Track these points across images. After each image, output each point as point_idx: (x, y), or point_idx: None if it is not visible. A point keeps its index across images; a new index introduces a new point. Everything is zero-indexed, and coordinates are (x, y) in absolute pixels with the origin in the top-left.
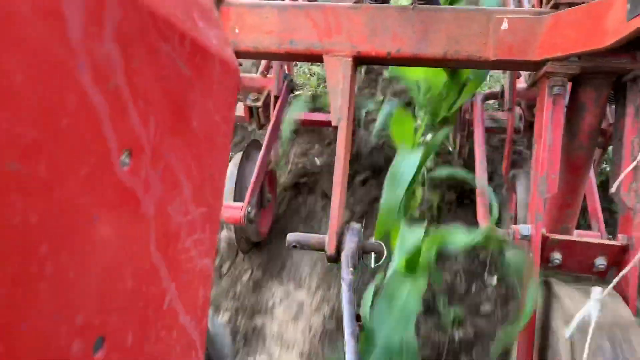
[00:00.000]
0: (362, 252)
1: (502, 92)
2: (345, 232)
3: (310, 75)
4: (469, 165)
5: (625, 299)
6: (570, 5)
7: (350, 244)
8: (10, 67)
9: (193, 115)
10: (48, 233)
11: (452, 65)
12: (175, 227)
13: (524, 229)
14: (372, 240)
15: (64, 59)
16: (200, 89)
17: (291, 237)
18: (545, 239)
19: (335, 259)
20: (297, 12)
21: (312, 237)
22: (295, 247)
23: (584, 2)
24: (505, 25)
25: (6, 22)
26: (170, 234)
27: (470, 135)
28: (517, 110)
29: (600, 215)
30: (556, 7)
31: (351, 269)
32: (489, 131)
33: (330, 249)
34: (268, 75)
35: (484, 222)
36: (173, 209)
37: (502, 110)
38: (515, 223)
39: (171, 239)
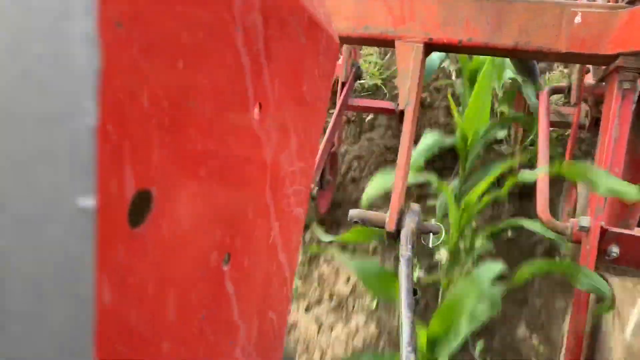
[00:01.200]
0: (421, 232)
1: (569, 87)
2: (405, 211)
3: (366, 63)
4: (531, 159)
5: None
6: None
7: (410, 223)
8: (190, 24)
9: (304, 80)
10: (206, 162)
11: (522, 56)
12: (282, 175)
13: (584, 220)
14: (432, 220)
15: (228, 22)
16: (311, 57)
17: (353, 212)
18: (603, 232)
19: (395, 236)
20: None
21: (373, 214)
22: (356, 222)
23: None
24: (578, 19)
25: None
26: (279, 180)
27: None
28: (583, 106)
29: None
30: (632, 2)
31: (410, 246)
32: (553, 126)
33: (390, 227)
34: (338, 62)
35: (544, 215)
36: (283, 159)
37: (568, 105)
38: (574, 217)
39: (279, 185)
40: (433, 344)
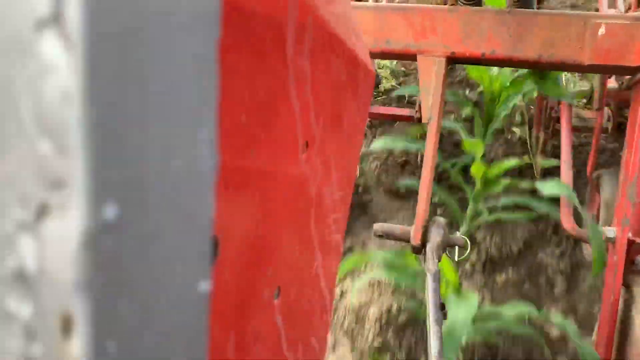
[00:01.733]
0: (446, 245)
1: (592, 91)
2: (430, 225)
3: (379, 67)
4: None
5: None
6: None
7: (435, 237)
8: (249, 73)
9: (344, 115)
10: (261, 205)
11: (545, 68)
12: (325, 207)
13: (610, 231)
14: (457, 234)
15: (282, 70)
16: (350, 92)
17: (378, 226)
18: (630, 243)
19: (420, 250)
20: (393, 13)
21: (398, 228)
22: (381, 236)
23: None
24: (602, 31)
25: (255, 45)
26: (322, 212)
27: (555, 133)
28: (606, 110)
29: None
30: None
31: (436, 260)
32: (575, 130)
33: (416, 240)
34: None
35: (568, 224)
36: (325, 191)
37: (590, 109)
38: (597, 223)
39: (322, 216)
40: None
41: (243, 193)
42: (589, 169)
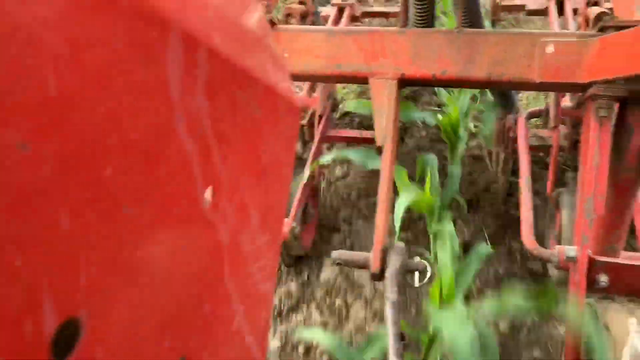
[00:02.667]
0: (406, 271)
1: (547, 110)
2: (389, 250)
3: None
4: (513, 183)
5: None
6: (617, 28)
7: (394, 263)
8: (119, 125)
9: (262, 152)
10: (147, 267)
11: (497, 87)
12: (244, 255)
13: (570, 250)
14: (417, 259)
15: (166, 113)
16: (268, 127)
17: (336, 254)
18: (591, 261)
19: (380, 277)
20: (344, 37)
21: (356, 255)
22: (339, 264)
23: (631, 26)
24: (551, 49)
25: (122, 85)
26: (240, 261)
27: (514, 153)
28: (562, 128)
29: None
30: (602, 30)
31: (395, 288)
32: (533, 149)
33: (375, 267)
34: (313, 95)
35: (529, 242)
36: (243, 238)
37: (547, 128)
38: (560, 242)
39: (241, 266)
40: None
41: (113, 252)
42: (548, 187)
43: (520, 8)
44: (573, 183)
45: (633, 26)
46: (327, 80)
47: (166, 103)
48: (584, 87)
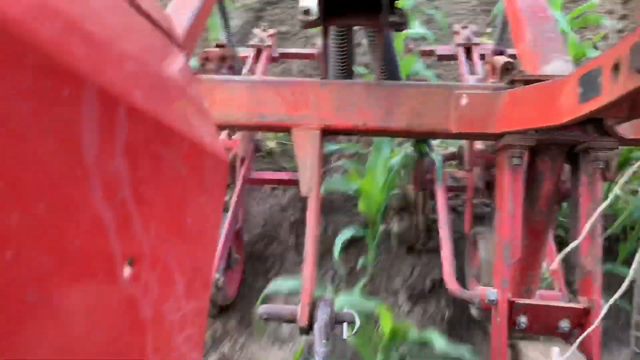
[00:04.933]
0: (334, 323)
1: (461, 152)
2: (317, 303)
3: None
4: (432, 225)
5: (590, 358)
6: (525, 82)
7: (322, 316)
8: (22, 190)
9: (188, 213)
10: (54, 345)
11: (417, 137)
12: (169, 326)
13: (491, 294)
14: (345, 310)
15: (79, 179)
16: (194, 185)
17: (262, 309)
18: (511, 304)
19: (307, 331)
20: (266, 87)
21: (284, 309)
22: (267, 319)
23: (537, 80)
24: (464, 101)
25: (27, 148)
26: (165, 334)
27: (432, 195)
28: (476, 170)
29: (561, 274)
30: (512, 83)
31: (324, 341)
32: (451, 190)
33: (303, 321)
34: (233, 137)
35: (451, 284)
36: (168, 308)
37: (462, 170)
38: (479, 280)
39: (165, 339)
40: None
41: (17, 347)
42: (466, 227)
43: (431, 53)
44: (489, 222)
45: (539, 81)
46: (250, 129)
47: (79, 167)
48: (497, 137)
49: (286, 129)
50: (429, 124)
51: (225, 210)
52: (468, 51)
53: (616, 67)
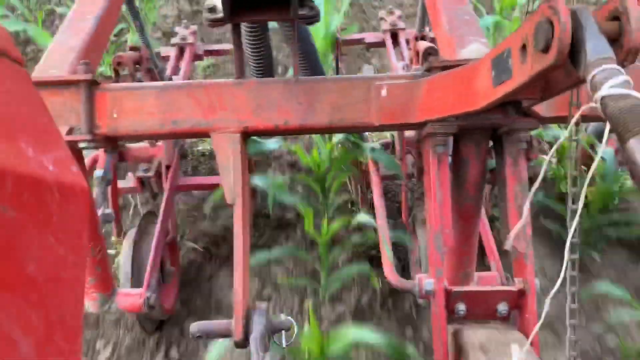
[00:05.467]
0: (272, 333)
1: (393, 141)
2: (251, 313)
3: None
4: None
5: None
6: (442, 69)
7: (258, 327)
8: None
9: (27, 259)
10: None
11: (339, 132)
12: None
13: (427, 283)
14: (281, 316)
15: None
16: (34, 225)
17: (194, 327)
18: (448, 293)
19: (244, 344)
20: (177, 91)
21: (216, 325)
22: (200, 337)
23: (454, 66)
24: (384, 92)
25: None
26: None
27: (369, 185)
28: (409, 157)
29: (497, 255)
30: (429, 70)
31: (262, 353)
32: (385, 179)
33: (238, 335)
34: (157, 144)
35: (391, 275)
36: None
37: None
38: (421, 266)
39: None
40: None
41: None
42: (403, 215)
43: (360, 41)
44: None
45: (456, 66)
46: (164, 138)
47: None
48: (420, 126)
49: (204, 135)
50: (351, 118)
51: (154, 222)
52: (395, 37)
53: (524, 48)
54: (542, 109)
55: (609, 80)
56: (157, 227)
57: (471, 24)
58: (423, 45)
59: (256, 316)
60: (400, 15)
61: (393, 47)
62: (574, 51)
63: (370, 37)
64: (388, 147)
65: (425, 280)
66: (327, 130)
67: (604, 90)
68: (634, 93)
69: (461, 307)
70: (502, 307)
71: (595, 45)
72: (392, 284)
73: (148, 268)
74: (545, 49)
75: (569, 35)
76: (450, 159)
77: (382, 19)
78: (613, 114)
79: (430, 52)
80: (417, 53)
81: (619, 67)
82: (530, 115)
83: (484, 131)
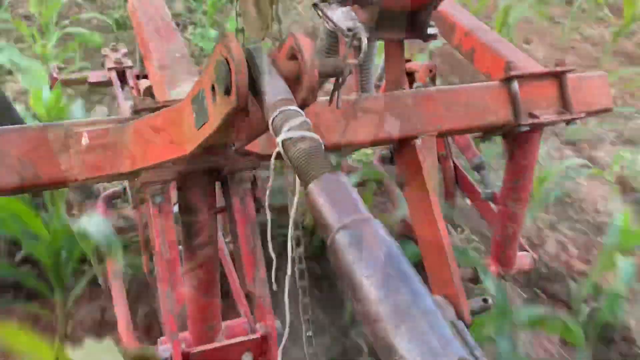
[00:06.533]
0: None
1: (124, 190)
2: None
3: None
4: None
5: None
6: (151, 110)
7: None
8: None
9: None
10: None
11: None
12: None
13: (164, 351)
14: None
15: None
16: None
17: None
18: (186, 356)
19: None
20: None
21: None
22: None
23: (164, 107)
24: (85, 141)
25: None
26: None
27: None
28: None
29: (244, 299)
30: (137, 113)
31: None
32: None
33: None
34: None
35: (127, 340)
36: None
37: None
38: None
39: None
40: None
41: None
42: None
43: (82, 82)
44: None
45: (164, 107)
46: None
47: None
48: (134, 174)
49: None
50: (44, 176)
51: None
52: (124, 74)
53: (213, 89)
54: (259, 146)
55: (286, 123)
56: None
57: (183, 61)
58: (144, 83)
59: None
60: (125, 53)
61: (121, 87)
62: (259, 92)
63: (95, 75)
64: (119, 196)
65: (160, 347)
66: (19, 191)
67: (283, 134)
68: (309, 134)
69: None
70: (247, 358)
71: (273, 87)
72: (126, 350)
73: None
74: (228, 91)
75: (245, 77)
76: (175, 207)
77: (105, 55)
78: (294, 157)
79: (151, 92)
80: (139, 92)
81: (296, 108)
82: (250, 154)
83: (207, 174)
